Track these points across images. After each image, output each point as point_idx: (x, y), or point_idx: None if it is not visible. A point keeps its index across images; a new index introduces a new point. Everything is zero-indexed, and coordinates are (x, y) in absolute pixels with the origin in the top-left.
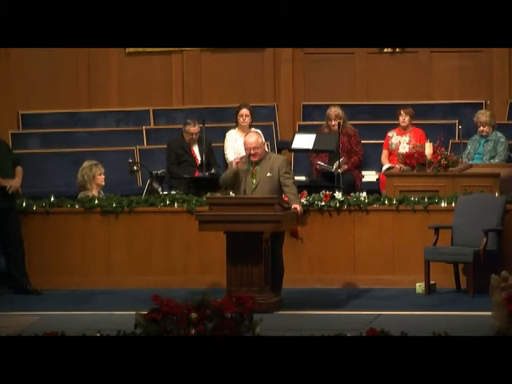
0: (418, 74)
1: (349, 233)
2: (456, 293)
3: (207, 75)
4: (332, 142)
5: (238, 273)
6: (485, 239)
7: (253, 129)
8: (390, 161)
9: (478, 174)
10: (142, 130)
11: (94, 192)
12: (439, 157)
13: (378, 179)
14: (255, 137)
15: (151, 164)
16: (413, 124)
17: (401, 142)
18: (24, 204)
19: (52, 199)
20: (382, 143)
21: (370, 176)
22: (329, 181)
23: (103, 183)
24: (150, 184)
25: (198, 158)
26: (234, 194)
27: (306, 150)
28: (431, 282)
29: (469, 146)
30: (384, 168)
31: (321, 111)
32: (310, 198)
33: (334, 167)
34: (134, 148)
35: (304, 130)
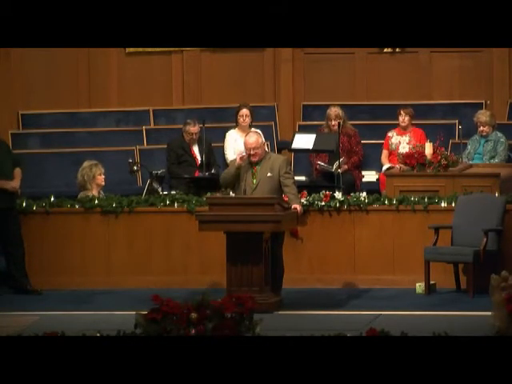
0: (418, 73)
1: (349, 233)
2: (456, 293)
3: (207, 75)
4: (332, 142)
5: (238, 273)
6: (485, 239)
7: (253, 129)
8: (390, 161)
9: (478, 174)
10: (142, 130)
11: (94, 192)
12: (439, 157)
13: (378, 179)
14: (255, 137)
15: (151, 164)
16: (413, 124)
17: (401, 142)
18: (24, 204)
19: (52, 199)
20: (382, 143)
21: (369, 176)
22: (329, 181)
23: (103, 183)
24: (150, 184)
25: (198, 157)
26: (233, 194)
27: (306, 150)
28: (431, 282)
29: (469, 146)
30: (384, 168)
31: (321, 111)
32: (310, 198)
33: (334, 167)
34: (134, 148)
35: (304, 129)
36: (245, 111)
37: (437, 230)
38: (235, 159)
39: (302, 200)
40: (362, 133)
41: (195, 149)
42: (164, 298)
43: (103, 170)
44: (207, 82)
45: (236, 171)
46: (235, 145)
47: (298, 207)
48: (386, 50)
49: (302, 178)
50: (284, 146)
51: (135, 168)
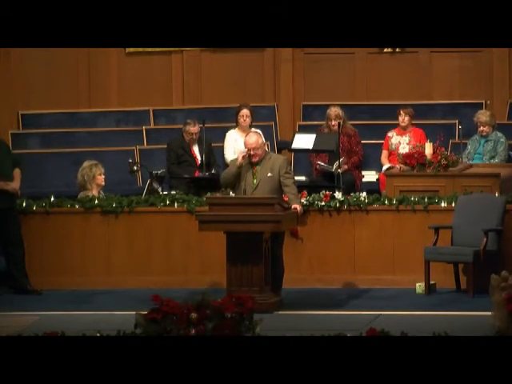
0: (418, 73)
1: (349, 233)
2: (456, 293)
3: (207, 75)
4: (332, 142)
5: (238, 273)
6: (485, 239)
7: (253, 129)
8: (390, 161)
9: (478, 174)
10: (142, 130)
11: (94, 192)
12: (439, 157)
13: (378, 179)
14: (255, 137)
15: (151, 164)
16: (413, 124)
17: (401, 142)
18: (24, 204)
19: (52, 199)
20: (382, 143)
21: (370, 176)
22: (329, 181)
23: (103, 183)
24: (150, 184)
25: (198, 157)
26: (233, 194)
27: (306, 150)
28: (431, 282)
29: (469, 146)
30: (384, 168)
31: (321, 111)
32: (310, 198)
33: (334, 167)
34: (134, 148)
35: (304, 130)
36: (245, 111)
37: (437, 230)
38: (236, 159)
39: (302, 200)
40: (362, 133)
41: (195, 149)
42: (164, 298)
43: (103, 170)
44: (207, 82)
45: (237, 170)
46: (235, 145)
47: (298, 207)
48: (386, 50)
49: (302, 178)
50: (284, 146)
51: (135, 168)
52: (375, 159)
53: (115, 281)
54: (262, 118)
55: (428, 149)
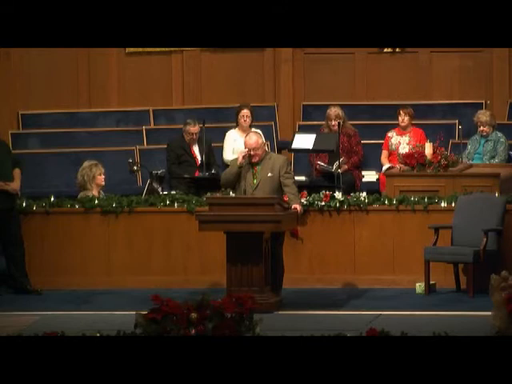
0: (418, 74)
1: (349, 233)
2: (456, 293)
3: (207, 75)
4: (332, 142)
5: (238, 273)
6: (485, 239)
7: (253, 129)
8: (390, 161)
9: (478, 174)
10: (142, 130)
11: (94, 192)
12: (439, 157)
13: (378, 179)
14: (255, 138)
15: (151, 164)
16: (413, 124)
17: (401, 142)
18: (24, 204)
19: (52, 199)
20: (382, 143)
21: (370, 176)
22: (329, 181)
23: (103, 183)
24: (150, 184)
25: (198, 157)
26: (234, 194)
27: (306, 150)
28: (431, 282)
29: (469, 146)
30: (384, 168)
31: (321, 111)
32: (310, 198)
33: (334, 167)
34: (134, 148)
35: (304, 130)
36: (245, 112)
37: (437, 230)
38: (236, 159)
39: (302, 200)
40: (362, 133)
41: (195, 149)
42: (164, 298)
43: (103, 170)
44: (207, 82)
45: (238, 170)
46: (235, 145)
47: (298, 207)
48: (386, 50)
49: (302, 178)
50: (284, 146)
51: (135, 168)
52: (375, 159)
53: (115, 281)
54: (262, 118)
55: (428, 149)
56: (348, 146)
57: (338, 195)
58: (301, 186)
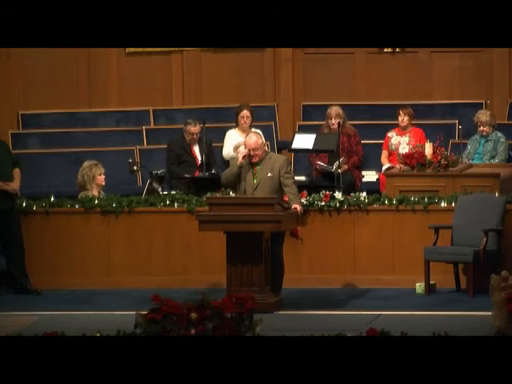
0: (418, 74)
1: (349, 233)
2: (456, 293)
3: (207, 75)
4: (332, 142)
5: (238, 273)
6: (485, 239)
7: (253, 129)
8: (389, 161)
9: (478, 174)
10: (142, 130)
11: (94, 192)
12: (439, 157)
13: (378, 179)
14: (255, 138)
15: (151, 164)
16: (412, 124)
17: (400, 142)
18: (24, 204)
19: (52, 199)
20: (382, 143)
21: (369, 176)
22: (329, 181)
23: (103, 183)
24: (150, 184)
25: (199, 157)
26: (234, 194)
27: (306, 150)
28: (431, 282)
29: (469, 146)
30: (384, 168)
31: (321, 111)
32: (310, 198)
33: (334, 167)
34: (134, 148)
35: (304, 130)
36: (245, 112)
37: (437, 230)
38: (236, 159)
39: (302, 200)
40: (362, 133)
41: (195, 149)
42: (164, 298)
43: (103, 170)
44: (207, 82)
45: (238, 170)
46: (235, 142)
47: (298, 207)
48: (386, 50)
49: (302, 178)
50: (284, 146)
51: (135, 168)
52: (375, 159)
53: (115, 281)
54: (262, 118)
55: (428, 149)
56: (348, 146)
57: (338, 195)
58: (301, 186)
